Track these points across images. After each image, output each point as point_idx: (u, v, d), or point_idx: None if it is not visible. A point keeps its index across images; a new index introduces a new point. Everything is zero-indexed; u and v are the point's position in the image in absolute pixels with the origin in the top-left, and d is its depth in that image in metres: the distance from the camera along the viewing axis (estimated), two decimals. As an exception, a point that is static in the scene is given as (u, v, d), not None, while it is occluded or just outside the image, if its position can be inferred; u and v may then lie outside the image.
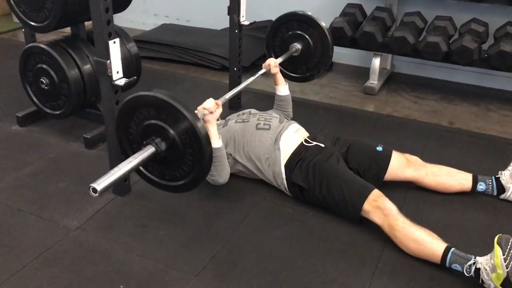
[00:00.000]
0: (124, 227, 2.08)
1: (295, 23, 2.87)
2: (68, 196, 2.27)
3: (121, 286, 1.77)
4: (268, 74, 2.70)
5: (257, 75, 2.58)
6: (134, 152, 1.77)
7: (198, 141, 1.69)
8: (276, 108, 2.69)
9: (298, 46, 2.87)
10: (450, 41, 3.29)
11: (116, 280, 1.80)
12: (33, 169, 2.48)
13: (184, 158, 1.76)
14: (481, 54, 3.22)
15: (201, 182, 1.84)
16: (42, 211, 2.16)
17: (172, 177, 1.85)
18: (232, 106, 3.15)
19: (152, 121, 1.75)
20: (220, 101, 2.10)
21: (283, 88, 2.69)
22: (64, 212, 2.16)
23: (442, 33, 3.28)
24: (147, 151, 1.71)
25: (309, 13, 2.84)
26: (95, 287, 1.77)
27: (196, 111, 1.90)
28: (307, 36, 2.86)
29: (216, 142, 2.04)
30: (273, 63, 2.64)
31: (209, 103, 2.05)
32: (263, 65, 2.66)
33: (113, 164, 2.22)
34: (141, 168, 1.86)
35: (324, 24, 2.84)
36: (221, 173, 2.12)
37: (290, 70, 3.00)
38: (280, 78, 2.69)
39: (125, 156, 1.85)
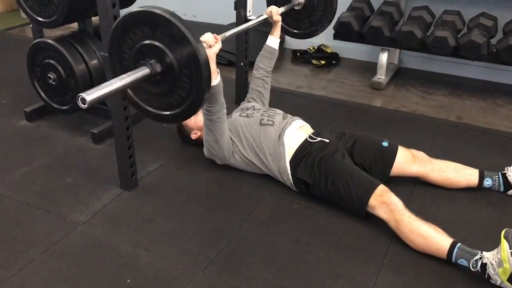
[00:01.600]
0: (131, 222, 2.09)
1: None
2: (75, 191, 2.28)
3: (128, 280, 1.79)
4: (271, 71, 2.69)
5: (258, 19, 2.53)
6: None
7: (197, 62, 1.57)
8: (260, 60, 2.66)
9: None
10: (459, 36, 3.27)
11: (123, 274, 1.81)
12: (41, 164, 2.50)
13: (181, 82, 1.64)
14: (490, 48, 3.20)
15: (198, 109, 1.72)
16: (50, 206, 2.18)
17: (168, 106, 1.74)
18: (239, 102, 3.14)
19: (147, 42, 1.62)
20: (219, 36, 2.01)
21: (275, 40, 2.66)
22: (71, 207, 2.17)
23: (450, 28, 3.25)
24: (141, 71, 1.61)
25: None
26: (102, 281, 1.79)
27: None
28: None
29: (215, 79, 1.97)
30: (275, 10, 2.58)
31: (208, 36, 1.93)
32: (265, 12, 2.59)
33: (120, 159, 2.24)
34: (134, 96, 1.77)
35: None
36: (220, 139, 2.11)
37: (293, 26, 2.89)
38: (278, 29, 2.65)
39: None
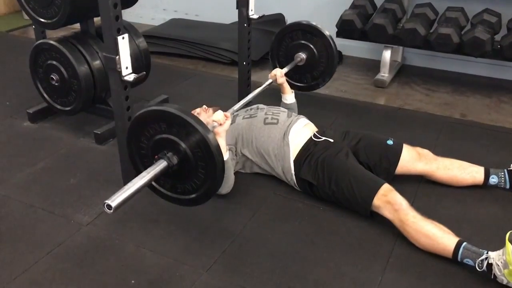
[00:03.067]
0: (135, 223, 2.09)
1: (300, 32, 2.89)
2: (79, 192, 2.28)
3: (133, 281, 1.79)
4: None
5: (264, 85, 2.62)
6: (145, 167, 1.78)
7: (210, 154, 1.68)
8: None
9: (302, 55, 2.89)
10: (462, 33, 3.25)
11: (127, 275, 1.81)
12: (44, 165, 2.50)
13: (196, 171, 1.75)
14: (494, 45, 3.18)
15: (213, 195, 1.82)
16: (54, 207, 2.18)
17: (184, 190, 1.84)
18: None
19: (164, 135, 1.74)
20: (228, 113, 2.12)
21: (289, 97, 2.72)
22: (75, 208, 2.17)
23: (453, 25, 3.23)
24: (159, 165, 1.71)
25: (314, 23, 2.85)
26: (106, 282, 1.79)
27: (203, 120, 1.89)
28: (311, 46, 2.88)
29: (224, 154, 2.02)
30: (279, 73, 2.66)
31: (218, 115, 2.06)
32: (269, 75, 2.69)
33: (124, 159, 2.24)
34: (153, 182, 1.85)
35: (328, 33, 2.85)
36: (224, 185, 2.11)
37: (295, 79, 3.01)
38: (286, 87, 2.71)
39: (136, 171, 1.86)
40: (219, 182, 1.78)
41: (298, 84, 3.02)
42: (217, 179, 1.75)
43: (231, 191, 2.25)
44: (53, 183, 2.35)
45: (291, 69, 2.86)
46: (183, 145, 1.71)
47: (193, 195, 1.83)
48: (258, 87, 2.61)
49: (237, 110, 2.28)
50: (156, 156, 1.75)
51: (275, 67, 2.94)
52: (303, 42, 2.89)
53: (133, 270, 1.84)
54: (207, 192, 1.80)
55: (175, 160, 1.73)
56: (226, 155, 2.08)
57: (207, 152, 1.69)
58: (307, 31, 2.87)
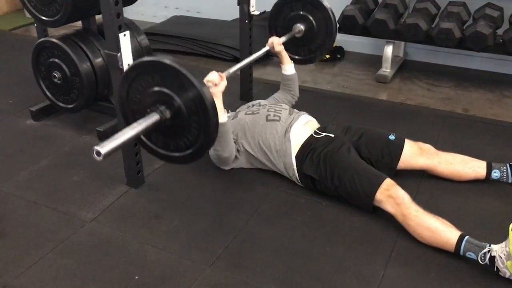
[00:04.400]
0: (138, 219, 2.10)
1: (299, 3, 2.80)
2: (82, 189, 2.29)
3: (136, 277, 1.79)
4: (279, 64, 2.68)
5: (261, 52, 2.55)
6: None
7: (204, 108, 1.62)
8: (283, 88, 2.69)
9: (301, 27, 2.80)
10: (464, 27, 3.24)
11: (131, 271, 1.82)
12: (47, 163, 2.51)
13: (189, 127, 1.70)
14: (496, 39, 3.17)
15: (206, 152, 1.78)
16: (58, 204, 2.19)
17: (177, 147, 1.79)
18: (243, 97, 3.14)
19: (156, 88, 1.68)
20: (223, 74, 2.06)
21: (289, 67, 2.67)
22: (79, 205, 2.18)
23: (455, 19, 3.22)
24: (152, 118, 1.66)
25: None
26: (110, 278, 1.80)
27: None
28: (310, 17, 2.80)
29: (222, 116, 1.99)
30: (276, 41, 2.61)
31: (213, 75, 2.00)
32: (267, 43, 2.63)
33: (126, 157, 2.25)
34: (144, 139, 1.81)
35: (328, 5, 2.76)
36: (225, 148, 2.10)
37: (292, 51, 2.90)
38: (285, 56, 2.67)
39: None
40: (212, 137, 1.72)
41: (295, 56, 2.92)
42: (211, 133, 1.70)
43: (232, 186, 2.26)
44: (56, 181, 2.36)
45: (289, 40, 2.77)
46: (177, 98, 1.66)
47: (187, 152, 1.77)
48: (260, 83, 2.60)
49: (232, 73, 2.19)
50: (148, 110, 1.70)
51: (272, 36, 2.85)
52: (302, 13, 2.80)
53: (136, 266, 1.84)
54: (201, 149, 1.74)
55: (168, 114, 1.68)
56: (224, 118, 2.04)
57: (201, 105, 1.63)
58: (307, 2, 2.78)
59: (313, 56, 2.94)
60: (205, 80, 1.96)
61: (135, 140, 1.90)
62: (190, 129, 1.71)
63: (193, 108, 1.66)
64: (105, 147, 1.50)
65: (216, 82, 2.00)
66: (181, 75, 1.62)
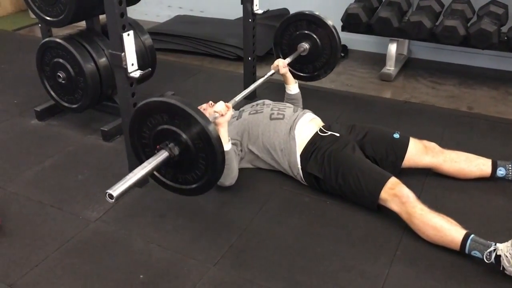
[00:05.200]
0: (143, 218, 2.11)
1: (304, 22, 2.89)
2: (87, 188, 2.30)
3: (141, 276, 1.80)
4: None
5: (266, 76, 2.62)
6: (147, 156, 1.81)
7: (210, 144, 1.71)
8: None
9: (306, 45, 2.88)
10: (468, 25, 3.23)
11: (135, 270, 1.83)
12: (52, 162, 2.52)
13: (197, 162, 1.78)
14: (501, 37, 3.15)
15: (214, 185, 1.86)
16: (63, 203, 2.20)
17: (185, 181, 1.86)
18: (247, 97, 3.12)
19: (165, 126, 1.77)
20: (230, 104, 2.12)
21: (293, 87, 2.71)
22: (83, 204, 2.19)
23: (459, 17, 3.21)
24: (161, 155, 1.73)
25: (317, 13, 2.85)
26: (115, 277, 1.80)
27: (207, 114, 1.91)
28: (315, 36, 2.87)
29: (226, 145, 2.04)
30: (281, 64, 2.66)
31: (220, 106, 2.06)
32: (272, 66, 2.68)
33: (130, 156, 2.25)
34: (154, 172, 1.87)
35: (332, 24, 2.84)
36: (226, 177, 2.12)
37: (297, 69, 3.00)
38: (289, 77, 2.70)
39: (139, 160, 1.88)
40: (219, 173, 1.80)
41: (299, 74, 3.01)
42: (218, 170, 1.77)
43: (237, 185, 2.25)
44: (61, 180, 2.37)
45: (293, 59, 2.83)
46: (184, 136, 1.74)
47: (194, 185, 1.85)
48: (264, 83, 2.61)
49: (238, 101, 2.27)
50: (158, 147, 1.77)
51: (278, 57, 2.93)
52: (307, 32, 2.88)
53: (141, 265, 1.85)
54: (208, 183, 1.82)
55: (176, 150, 1.75)
56: (227, 146, 2.08)
57: (207, 143, 1.71)
58: (311, 21, 2.85)
59: (318, 74, 3.02)
60: (212, 111, 2.05)
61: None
62: (197, 164, 1.79)
63: (200, 144, 1.73)
64: (116, 190, 1.56)
65: (223, 113, 2.05)
66: (187, 114, 1.70)
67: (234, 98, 2.26)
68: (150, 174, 1.75)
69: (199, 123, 1.69)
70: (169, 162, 1.77)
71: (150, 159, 1.72)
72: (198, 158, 1.77)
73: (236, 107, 2.29)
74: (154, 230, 2.03)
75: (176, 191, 1.93)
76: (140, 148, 1.91)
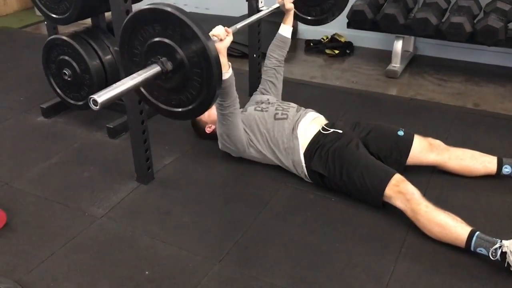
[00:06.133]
0: (148, 215, 2.12)
1: None
2: (93, 185, 2.31)
3: (147, 272, 1.81)
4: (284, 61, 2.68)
5: (270, 8, 2.52)
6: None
7: (208, 61, 1.56)
8: (272, 49, 2.64)
9: None
10: (475, 21, 3.21)
11: (141, 266, 1.84)
12: (58, 159, 2.53)
13: (191, 80, 1.64)
14: (508, 33, 3.13)
15: (208, 107, 1.75)
16: (69, 200, 2.21)
17: (179, 103, 1.75)
18: (252, 93, 3.13)
19: (158, 39, 1.62)
20: (230, 29, 2.00)
21: (289, 29, 2.63)
22: (89, 201, 2.20)
23: (466, 13, 3.19)
24: (152, 69, 1.61)
25: None
26: (121, 273, 1.81)
27: None
28: None
29: (226, 72, 1.94)
30: None
31: (219, 29, 1.93)
32: (277, 0, 2.57)
33: (136, 153, 2.26)
34: (146, 93, 1.78)
35: None
36: (230, 102, 2.06)
37: (303, 12, 2.84)
38: (291, 17, 2.62)
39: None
40: (214, 93, 1.66)
41: (306, 17, 2.85)
42: (213, 89, 1.64)
43: (242, 182, 2.26)
44: (67, 177, 2.39)
45: (301, 0, 2.70)
46: (178, 50, 1.60)
47: (189, 107, 1.74)
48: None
49: (239, 29, 2.14)
50: (149, 62, 1.66)
51: None
52: None
53: (146, 262, 1.86)
54: (203, 103, 1.70)
55: (169, 66, 1.63)
56: (229, 73, 2.01)
57: (204, 58, 1.57)
58: None
59: (325, 17, 2.83)
60: (210, 34, 1.87)
61: (136, 93, 1.84)
62: (192, 83, 1.65)
63: (196, 61, 1.59)
64: (102, 96, 1.46)
65: (221, 37, 1.92)
66: (184, 25, 1.55)
67: (236, 25, 2.09)
68: (139, 87, 1.62)
69: (196, 36, 1.53)
70: (161, 78, 1.65)
71: (140, 71, 1.60)
72: (192, 75, 1.62)
73: (241, 102, 2.29)
74: (159, 227, 2.04)
75: (170, 115, 1.81)
76: (132, 67, 1.75)
